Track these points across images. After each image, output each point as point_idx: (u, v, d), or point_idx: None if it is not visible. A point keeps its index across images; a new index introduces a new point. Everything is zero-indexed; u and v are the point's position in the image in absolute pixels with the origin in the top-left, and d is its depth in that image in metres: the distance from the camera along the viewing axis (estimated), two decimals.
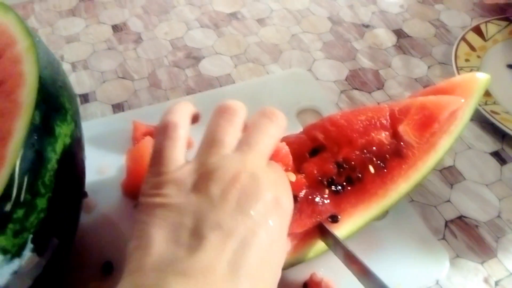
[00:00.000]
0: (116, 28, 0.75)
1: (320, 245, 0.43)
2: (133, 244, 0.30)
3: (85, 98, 0.63)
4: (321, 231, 0.43)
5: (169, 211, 0.30)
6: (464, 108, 0.46)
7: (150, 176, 0.33)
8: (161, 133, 0.34)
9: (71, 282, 0.43)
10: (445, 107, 0.45)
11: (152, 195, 0.32)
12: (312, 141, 0.46)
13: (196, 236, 0.29)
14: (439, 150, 0.45)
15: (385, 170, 0.44)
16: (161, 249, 0.28)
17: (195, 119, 0.39)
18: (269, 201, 0.32)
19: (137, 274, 0.28)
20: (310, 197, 0.42)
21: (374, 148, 0.44)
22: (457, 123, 0.45)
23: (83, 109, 0.61)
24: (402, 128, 0.45)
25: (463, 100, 0.45)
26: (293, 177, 0.41)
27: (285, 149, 0.41)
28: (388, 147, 0.45)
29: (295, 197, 0.41)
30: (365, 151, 0.44)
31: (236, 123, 0.36)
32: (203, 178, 0.32)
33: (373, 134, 0.45)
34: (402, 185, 0.44)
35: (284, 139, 0.45)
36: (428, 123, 0.45)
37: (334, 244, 0.41)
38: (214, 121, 0.36)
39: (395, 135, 0.45)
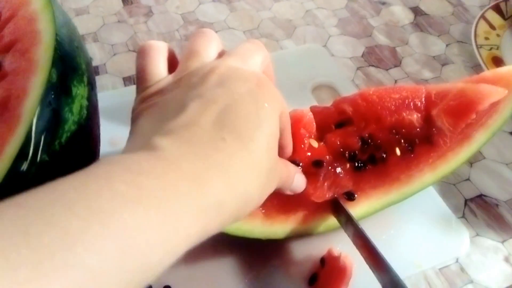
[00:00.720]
0: (126, 1, 0.73)
1: (331, 221, 0.42)
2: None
3: (95, 70, 0.62)
4: (335, 207, 0.42)
5: (155, 107, 0.30)
6: (506, 102, 0.41)
7: (137, 94, 0.34)
8: (140, 55, 0.34)
9: None
10: (485, 97, 0.40)
11: (140, 106, 0.32)
12: (340, 113, 0.44)
13: (178, 109, 0.28)
14: (473, 144, 0.42)
15: (412, 155, 0.42)
16: (149, 127, 0.28)
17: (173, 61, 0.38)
18: (251, 80, 0.31)
19: (126, 148, 0.27)
20: (330, 167, 0.41)
21: (403, 129, 0.42)
22: (497, 117, 0.41)
23: None
24: (436, 113, 0.42)
25: (506, 92, 0.41)
26: (315, 143, 0.40)
27: (309, 115, 0.40)
28: (419, 130, 0.42)
29: (321, 162, 0.40)
30: (393, 131, 0.42)
31: (214, 40, 0.36)
32: (184, 77, 0.32)
33: (404, 114, 0.42)
34: (427, 175, 0.42)
35: (310, 109, 0.44)
36: (465, 111, 0.41)
37: (346, 222, 0.41)
38: (192, 39, 0.35)
39: (428, 119, 0.42)
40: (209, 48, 0.35)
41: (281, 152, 0.37)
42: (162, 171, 0.23)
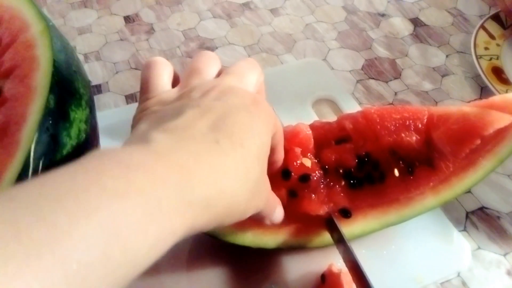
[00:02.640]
0: (128, 19, 0.74)
1: (327, 237, 0.43)
2: None
3: (98, 89, 0.63)
4: (329, 224, 0.42)
5: (155, 114, 0.31)
6: None
7: (139, 104, 0.35)
8: (146, 67, 0.36)
9: None
10: (490, 123, 0.38)
11: (140, 114, 0.33)
12: (340, 130, 0.44)
13: (176, 115, 0.29)
14: (479, 170, 0.41)
15: (411, 177, 0.42)
16: (146, 127, 0.29)
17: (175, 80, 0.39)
18: (247, 98, 0.32)
19: (123, 145, 0.28)
20: (323, 181, 0.41)
21: (401, 150, 0.41)
22: (504, 144, 0.40)
23: (96, 100, 0.60)
24: (437, 135, 0.41)
25: None
26: (308, 162, 0.40)
27: (307, 132, 0.40)
28: (419, 153, 0.41)
29: (307, 177, 0.40)
30: (393, 151, 0.42)
31: (215, 60, 0.38)
32: (185, 92, 0.34)
33: (403, 135, 0.41)
34: (429, 199, 0.42)
35: (313, 124, 0.44)
36: (468, 136, 0.39)
37: (338, 240, 0.41)
38: (195, 58, 0.38)
39: (429, 142, 0.41)
40: (210, 67, 0.37)
41: (272, 167, 0.38)
42: (152, 164, 0.23)
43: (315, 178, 0.40)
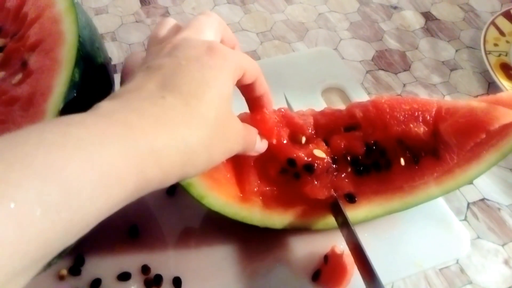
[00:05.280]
0: (144, 2, 0.75)
1: (331, 219, 0.44)
2: None
3: (113, 69, 0.64)
4: (334, 208, 0.43)
5: None
6: None
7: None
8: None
9: (99, 246, 0.44)
10: (496, 118, 0.39)
11: None
12: (350, 117, 0.45)
13: (127, 81, 0.30)
14: (482, 163, 0.42)
15: (416, 167, 0.43)
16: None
17: None
18: (200, 48, 0.32)
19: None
20: (330, 168, 0.42)
21: (409, 140, 0.43)
22: (508, 140, 0.41)
23: None
24: (444, 128, 0.42)
25: None
26: (321, 153, 0.42)
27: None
28: (425, 143, 0.42)
29: (311, 167, 0.41)
30: (400, 141, 0.43)
31: (174, 25, 0.37)
32: (143, 59, 0.34)
33: (411, 126, 0.43)
34: (432, 188, 0.43)
35: (323, 110, 0.45)
36: (473, 130, 0.40)
37: (342, 223, 0.42)
38: (153, 29, 0.37)
39: (436, 133, 0.42)
40: (168, 31, 0.36)
41: (259, 104, 0.40)
42: (92, 121, 0.24)
43: (320, 166, 0.42)
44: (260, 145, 0.39)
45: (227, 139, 0.32)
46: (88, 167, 0.22)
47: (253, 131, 0.39)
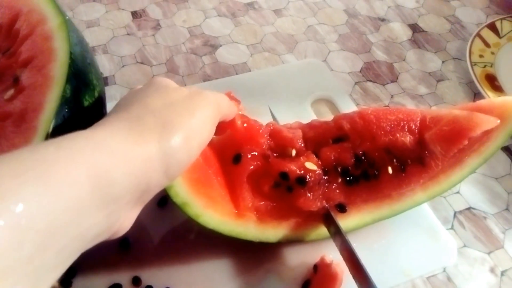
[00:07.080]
0: (135, 15, 0.76)
1: (323, 230, 0.45)
2: None
3: (104, 81, 0.64)
4: (326, 218, 0.44)
5: None
6: (499, 131, 0.43)
7: None
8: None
9: (89, 258, 0.44)
10: (478, 125, 0.41)
11: None
12: (338, 129, 0.46)
13: None
14: (465, 168, 0.44)
15: (404, 174, 0.44)
16: None
17: None
18: (183, 92, 0.34)
19: None
20: (321, 180, 0.43)
21: (396, 149, 0.44)
22: (489, 145, 0.43)
23: None
24: (428, 136, 0.43)
25: (498, 122, 0.42)
26: (312, 166, 0.42)
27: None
28: (411, 152, 0.44)
29: (304, 180, 0.42)
30: (387, 150, 0.44)
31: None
32: None
33: (398, 135, 0.44)
34: (419, 194, 0.45)
35: (311, 122, 0.46)
36: (457, 137, 0.42)
37: (335, 233, 0.43)
38: None
39: (422, 142, 0.44)
40: None
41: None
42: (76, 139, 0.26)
43: (312, 178, 0.43)
44: (231, 111, 0.41)
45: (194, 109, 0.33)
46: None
47: (220, 94, 0.40)
